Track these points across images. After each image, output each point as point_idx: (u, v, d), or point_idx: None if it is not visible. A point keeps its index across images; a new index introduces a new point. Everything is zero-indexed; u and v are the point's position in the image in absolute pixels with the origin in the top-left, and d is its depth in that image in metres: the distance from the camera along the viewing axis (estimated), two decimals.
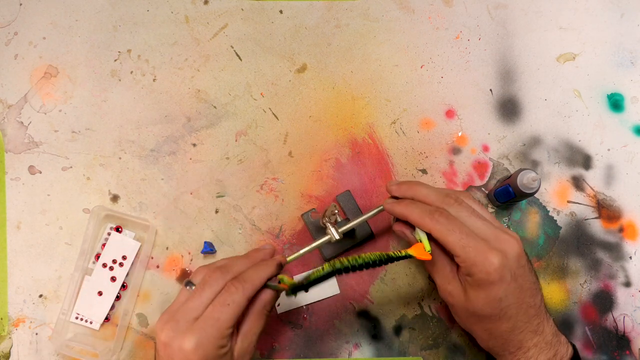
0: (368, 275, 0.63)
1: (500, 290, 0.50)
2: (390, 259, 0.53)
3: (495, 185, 0.64)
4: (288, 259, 0.55)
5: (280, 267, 0.54)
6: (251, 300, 0.51)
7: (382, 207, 0.57)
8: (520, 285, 0.51)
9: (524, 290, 0.51)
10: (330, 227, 0.57)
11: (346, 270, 0.52)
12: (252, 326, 0.52)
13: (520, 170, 0.59)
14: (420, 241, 0.54)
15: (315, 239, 0.59)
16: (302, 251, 0.56)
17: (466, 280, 0.51)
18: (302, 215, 0.63)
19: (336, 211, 0.58)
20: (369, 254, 0.52)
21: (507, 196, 0.60)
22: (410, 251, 0.53)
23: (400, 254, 0.53)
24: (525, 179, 0.58)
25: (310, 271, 0.52)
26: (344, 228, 0.58)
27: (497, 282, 0.50)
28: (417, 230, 0.54)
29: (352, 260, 0.52)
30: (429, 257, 0.53)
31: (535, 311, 0.52)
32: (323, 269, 0.51)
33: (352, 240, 0.63)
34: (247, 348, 0.52)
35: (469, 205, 0.53)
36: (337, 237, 0.57)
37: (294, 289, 0.52)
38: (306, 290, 0.52)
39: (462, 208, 0.52)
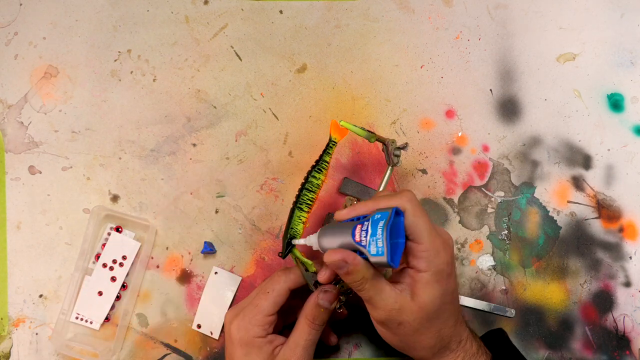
0: None
1: (453, 281, 0.51)
2: (326, 161, 0.56)
3: None
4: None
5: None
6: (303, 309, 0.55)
7: (390, 168, 0.57)
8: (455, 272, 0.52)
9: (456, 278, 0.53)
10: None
11: (310, 200, 0.55)
12: (297, 336, 0.54)
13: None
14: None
15: None
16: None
17: (420, 279, 0.49)
18: (323, 226, 0.61)
19: (355, 202, 0.58)
20: (313, 178, 0.55)
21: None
22: (333, 134, 0.56)
23: (327, 149, 0.56)
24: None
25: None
26: None
27: (452, 273, 0.50)
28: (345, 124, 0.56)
29: (308, 192, 0.55)
30: (346, 132, 0.56)
31: (458, 305, 0.54)
32: (293, 212, 0.55)
33: None
34: (289, 358, 0.53)
35: None
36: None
37: (286, 250, 0.54)
38: (291, 244, 0.54)
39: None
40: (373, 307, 0.50)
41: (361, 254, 0.48)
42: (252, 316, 0.54)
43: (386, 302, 0.49)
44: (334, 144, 0.57)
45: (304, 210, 0.55)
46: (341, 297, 0.55)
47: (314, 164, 0.56)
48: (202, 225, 0.64)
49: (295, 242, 0.54)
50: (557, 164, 0.65)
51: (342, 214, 0.51)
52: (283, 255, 0.55)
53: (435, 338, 0.51)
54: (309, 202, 0.55)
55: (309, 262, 0.54)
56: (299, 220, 0.55)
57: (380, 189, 0.58)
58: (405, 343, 0.52)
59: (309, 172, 0.56)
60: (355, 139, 0.65)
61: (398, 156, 0.58)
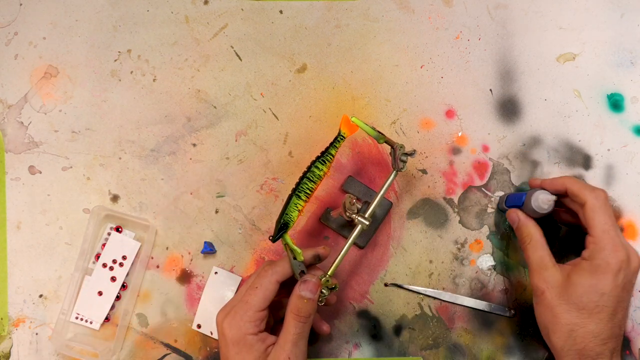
0: (368, 275, 0.63)
1: (608, 284, 0.51)
2: (332, 154, 0.56)
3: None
4: (329, 271, 0.56)
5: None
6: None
7: (394, 173, 0.58)
8: (623, 295, 0.52)
9: (624, 301, 0.53)
10: (357, 217, 0.57)
11: (309, 190, 0.55)
12: (285, 331, 0.53)
13: (536, 189, 0.58)
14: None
15: (344, 236, 0.62)
16: (342, 253, 0.56)
17: (579, 264, 0.53)
18: (320, 219, 0.63)
19: (354, 200, 0.58)
20: (315, 169, 0.55)
21: (515, 201, 0.60)
22: (343, 128, 0.57)
23: (335, 142, 0.56)
24: (540, 199, 0.57)
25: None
26: (369, 212, 0.58)
27: (610, 275, 0.51)
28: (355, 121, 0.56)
29: (309, 182, 0.55)
30: (356, 129, 0.57)
31: (619, 331, 0.53)
32: (290, 199, 0.55)
33: (377, 218, 0.63)
34: (279, 355, 0.52)
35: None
36: (368, 222, 0.57)
37: (277, 234, 0.54)
38: (283, 229, 0.54)
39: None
40: (530, 266, 0.56)
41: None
42: (243, 313, 0.53)
43: (539, 264, 0.55)
44: (342, 139, 0.57)
45: (301, 199, 0.55)
46: (323, 291, 0.54)
47: (319, 155, 0.56)
48: (202, 225, 0.64)
49: None
50: (557, 164, 0.65)
51: (547, 181, 0.58)
52: (273, 239, 0.54)
53: (567, 330, 0.52)
54: (307, 191, 0.55)
55: (298, 250, 0.54)
56: (295, 208, 0.54)
57: (382, 191, 0.58)
58: (543, 320, 0.54)
59: (313, 162, 0.55)
60: (356, 139, 0.65)
61: (404, 162, 0.58)
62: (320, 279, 0.54)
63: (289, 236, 0.54)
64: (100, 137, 0.65)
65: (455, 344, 0.62)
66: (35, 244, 0.63)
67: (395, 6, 0.68)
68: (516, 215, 0.58)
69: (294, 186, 0.55)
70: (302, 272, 0.55)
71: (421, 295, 0.63)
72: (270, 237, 0.54)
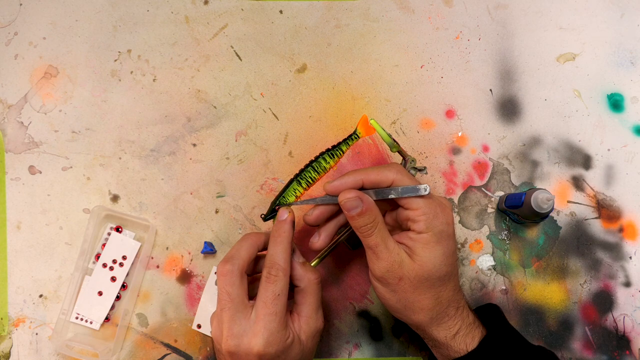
0: (368, 275, 0.63)
1: (453, 243, 0.51)
2: (342, 150, 0.56)
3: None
4: (313, 262, 0.56)
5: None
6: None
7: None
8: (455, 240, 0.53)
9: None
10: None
11: (311, 179, 0.55)
12: (305, 302, 0.52)
13: (536, 189, 0.58)
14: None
15: (337, 233, 0.58)
16: (330, 246, 0.56)
17: (419, 240, 0.50)
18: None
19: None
20: (322, 160, 0.55)
21: (514, 201, 0.60)
22: (360, 128, 0.56)
23: (348, 139, 0.56)
24: (540, 199, 0.56)
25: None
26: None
27: (452, 234, 0.51)
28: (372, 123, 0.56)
29: (313, 171, 0.55)
30: (372, 131, 0.56)
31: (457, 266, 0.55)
32: (290, 183, 0.55)
33: None
34: (316, 324, 0.52)
35: None
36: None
37: (269, 214, 0.55)
38: (274, 211, 0.54)
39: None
40: (376, 257, 0.51)
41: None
42: (235, 311, 0.50)
43: (390, 252, 0.50)
44: (356, 137, 0.56)
45: (301, 185, 0.55)
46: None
47: (329, 148, 0.56)
48: (202, 225, 0.64)
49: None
50: (557, 164, 0.65)
51: (333, 185, 0.52)
52: (265, 217, 0.55)
53: (433, 300, 0.51)
54: (309, 180, 0.55)
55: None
56: (293, 193, 0.55)
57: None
58: (403, 304, 0.52)
59: (321, 154, 0.55)
60: None
61: (413, 176, 0.56)
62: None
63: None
64: (100, 137, 0.65)
65: None
66: (35, 244, 0.63)
67: (395, 6, 0.68)
68: (358, 198, 0.51)
69: (297, 172, 0.55)
70: None
71: None
72: (262, 215, 0.55)
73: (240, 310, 0.49)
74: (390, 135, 0.57)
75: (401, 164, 0.59)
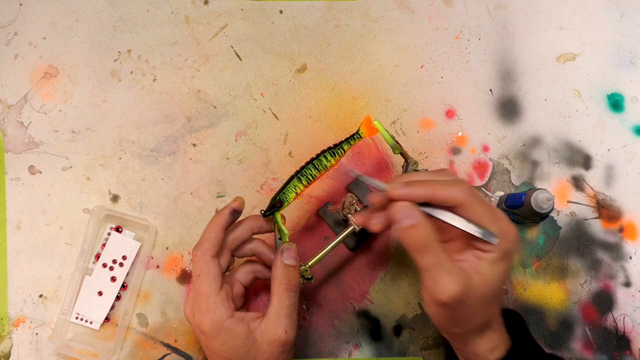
0: (368, 275, 0.63)
1: (510, 261, 0.48)
2: (344, 149, 0.55)
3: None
4: (310, 262, 0.55)
5: (236, 213, 0.53)
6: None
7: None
8: None
9: None
10: (352, 218, 0.55)
11: (311, 177, 0.55)
12: (277, 305, 0.50)
13: (536, 189, 0.58)
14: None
15: (336, 233, 0.61)
16: (328, 247, 0.56)
17: (487, 258, 0.46)
18: (318, 211, 0.63)
19: (354, 201, 0.57)
20: (323, 158, 0.55)
21: (514, 201, 0.60)
22: (362, 128, 0.56)
23: (350, 139, 0.55)
24: (540, 199, 0.56)
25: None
26: None
27: (514, 251, 0.48)
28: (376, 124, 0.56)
29: (313, 168, 0.54)
30: (375, 132, 0.55)
31: None
32: (291, 180, 0.54)
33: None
34: (274, 330, 0.50)
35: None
36: (359, 227, 0.55)
37: (269, 210, 0.54)
38: (277, 206, 0.54)
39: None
40: (435, 280, 0.45)
41: None
42: (205, 303, 0.50)
43: (450, 275, 0.45)
44: (358, 137, 0.56)
45: (302, 182, 0.54)
46: (299, 279, 0.53)
47: (331, 146, 0.55)
48: (202, 225, 0.64)
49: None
50: (557, 164, 0.65)
51: (399, 192, 0.47)
52: (265, 213, 0.54)
53: (487, 316, 0.48)
54: (310, 177, 0.55)
55: (286, 231, 0.54)
56: (293, 190, 0.54)
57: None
58: (459, 323, 0.48)
59: (323, 152, 0.55)
60: None
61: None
62: (296, 248, 0.53)
63: (280, 215, 0.54)
64: (100, 137, 0.65)
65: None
66: (35, 244, 0.63)
67: (395, 6, 0.68)
68: (410, 212, 0.46)
69: (297, 169, 0.55)
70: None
71: (421, 295, 0.63)
72: (262, 211, 0.54)
73: (204, 290, 0.50)
74: (393, 137, 0.57)
75: (403, 166, 0.58)
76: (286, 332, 0.50)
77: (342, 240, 0.57)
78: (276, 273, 0.51)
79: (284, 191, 0.54)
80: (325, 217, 0.63)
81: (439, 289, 0.45)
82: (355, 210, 0.57)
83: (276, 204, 0.54)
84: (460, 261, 0.47)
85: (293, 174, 0.55)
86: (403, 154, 0.57)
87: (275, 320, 0.50)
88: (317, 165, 0.55)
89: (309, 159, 0.55)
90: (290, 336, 0.50)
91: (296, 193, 0.55)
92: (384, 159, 0.65)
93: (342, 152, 0.55)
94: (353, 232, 0.56)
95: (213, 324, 0.49)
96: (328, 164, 0.55)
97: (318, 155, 0.55)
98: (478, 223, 0.46)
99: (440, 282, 0.45)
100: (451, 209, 0.47)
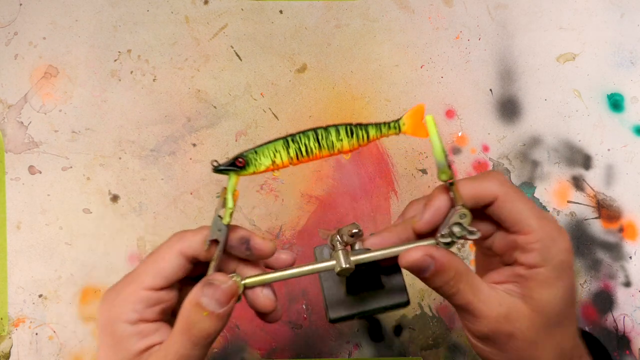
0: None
1: (573, 275, 0.39)
2: (368, 133, 0.39)
3: None
4: (251, 280, 0.38)
5: (246, 244, 0.39)
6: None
7: (433, 241, 0.39)
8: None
9: None
10: (339, 246, 0.39)
11: (306, 151, 0.39)
12: (169, 345, 0.37)
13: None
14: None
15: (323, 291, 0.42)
16: (287, 272, 0.38)
17: (534, 277, 0.37)
18: (314, 250, 0.43)
19: (356, 230, 0.39)
20: (333, 131, 0.38)
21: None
22: (407, 119, 0.40)
23: (382, 125, 0.39)
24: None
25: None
26: (361, 257, 0.39)
27: (572, 264, 0.39)
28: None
29: (314, 140, 0.38)
30: (420, 131, 0.40)
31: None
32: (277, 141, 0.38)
33: (374, 297, 0.41)
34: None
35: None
36: (345, 264, 0.38)
37: (226, 165, 0.38)
38: (236, 165, 0.38)
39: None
40: (472, 316, 0.38)
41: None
42: (127, 292, 0.37)
43: (490, 305, 0.37)
44: (396, 128, 0.41)
45: (288, 150, 0.39)
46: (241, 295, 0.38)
47: (351, 123, 0.39)
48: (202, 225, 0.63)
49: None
50: (557, 164, 0.65)
51: (424, 220, 0.38)
52: (215, 168, 0.38)
53: (555, 353, 0.39)
54: (302, 149, 0.39)
55: (230, 204, 0.39)
56: (271, 154, 0.38)
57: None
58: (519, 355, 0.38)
59: (336, 125, 0.38)
60: None
61: (455, 235, 0.39)
62: (237, 282, 0.37)
63: (236, 179, 0.39)
64: (100, 137, 0.65)
65: (455, 344, 0.62)
66: (35, 244, 0.63)
67: (395, 6, 0.68)
68: (426, 257, 0.37)
69: (290, 133, 0.39)
70: (215, 242, 0.39)
71: (421, 295, 0.63)
72: (214, 162, 0.38)
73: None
74: (445, 153, 0.39)
75: (449, 213, 0.39)
76: None
77: (306, 274, 0.39)
78: (182, 310, 0.37)
79: (256, 149, 0.38)
80: (316, 256, 0.43)
81: (476, 324, 0.38)
82: (352, 245, 0.40)
83: (238, 161, 0.38)
84: (504, 282, 0.39)
85: (281, 137, 0.39)
86: (453, 183, 0.38)
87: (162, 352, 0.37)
88: (319, 137, 0.38)
89: (311, 130, 0.39)
90: None
91: (273, 161, 0.39)
92: (384, 158, 0.65)
93: (365, 137, 0.39)
94: (332, 270, 0.38)
95: (109, 316, 0.38)
96: (338, 144, 0.39)
97: (329, 126, 0.38)
98: (517, 220, 0.37)
99: (475, 317, 0.38)
100: (483, 208, 0.38)
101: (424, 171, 0.65)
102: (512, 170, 0.65)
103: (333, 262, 0.38)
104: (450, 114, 0.66)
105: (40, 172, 0.64)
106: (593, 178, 0.65)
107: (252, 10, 0.67)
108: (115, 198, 0.64)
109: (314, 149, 0.39)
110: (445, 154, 0.39)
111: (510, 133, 0.66)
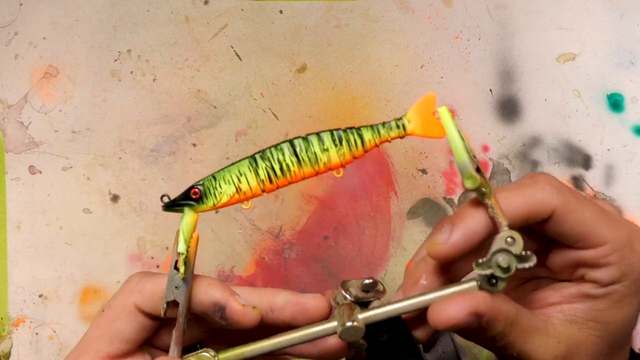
0: (367, 275, 0.63)
1: None
2: (361, 137, 0.30)
3: None
4: (224, 355, 0.31)
5: (220, 314, 0.33)
6: None
7: (474, 283, 0.31)
8: None
9: None
10: (342, 302, 0.31)
11: (279, 165, 0.29)
12: None
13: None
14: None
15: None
16: (268, 343, 0.31)
17: (609, 296, 0.31)
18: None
19: (369, 282, 0.32)
20: (315, 140, 0.30)
21: None
22: (412, 115, 0.30)
23: (379, 127, 0.30)
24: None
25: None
26: (372, 313, 0.31)
27: None
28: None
29: (291, 154, 0.30)
30: (441, 131, 0.32)
31: None
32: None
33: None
34: None
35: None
36: (349, 322, 0.30)
37: (178, 200, 0.27)
38: (186, 198, 0.28)
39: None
40: (519, 351, 0.31)
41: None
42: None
43: (546, 348, 0.31)
44: (399, 128, 0.32)
45: (256, 174, 0.29)
46: None
47: (339, 129, 0.31)
48: (202, 225, 0.63)
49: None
50: (557, 164, 0.65)
51: (449, 244, 0.31)
52: (166, 204, 0.29)
53: None
54: (274, 169, 0.29)
55: (185, 243, 0.29)
56: (233, 178, 0.30)
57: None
58: None
59: (317, 133, 0.30)
60: None
61: (505, 271, 0.31)
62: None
63: (192, 217, 0.31)
64: (100, 137, 0.65)
65: (455, 344, 0.62)
66: (35, 244, 0.63)
67: (395, 6, 0.68)
68: (473, 314, 0.29)
69: (259, 151, 0.31)
70: (174, 303, 0.29)
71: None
72: (164, 197, 0.30)
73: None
74: (470, 151, 0.30)
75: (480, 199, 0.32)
76: None
77: (303, 341, 0.31)
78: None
79: (214, 175, 0.31)
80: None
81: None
82: (361, 301, 0.31)
83: (192, 192, 0.30)
84: (562, 303, 0.32)
85: (247, 157, 0.31)
86: (484, 193, 0.30)
87: None
88: (297, 149, 0.30)
89: (287, 142, 0.31)
90: None
91: (237, 187, 0.30)
92: (384, 158, 0.65)
93: (358, 143, 0.31)
94: (334, 333, 0.30)
95: None
96: (323, 156, 0.31)
97: (309, 135, 0.31)
98: (583, 234, 0.30)
99: (527, 354, 0.31)
100: (540, 225, 0.31)
101: (423, 171, 0.65)
102: (512, 170, 0.65)
103: (334, 324, 0.29)
104: (450, 114, 0.66)
105: (41, 172, 0.64)
106: (593, 178, 0.65)
107: (252, 10, 0.67)
108: (115, 198, 0.64)
109: (291, 165, 0.30)
110: (470, 153, 0.30)
111: (510, 133, 0.66)
